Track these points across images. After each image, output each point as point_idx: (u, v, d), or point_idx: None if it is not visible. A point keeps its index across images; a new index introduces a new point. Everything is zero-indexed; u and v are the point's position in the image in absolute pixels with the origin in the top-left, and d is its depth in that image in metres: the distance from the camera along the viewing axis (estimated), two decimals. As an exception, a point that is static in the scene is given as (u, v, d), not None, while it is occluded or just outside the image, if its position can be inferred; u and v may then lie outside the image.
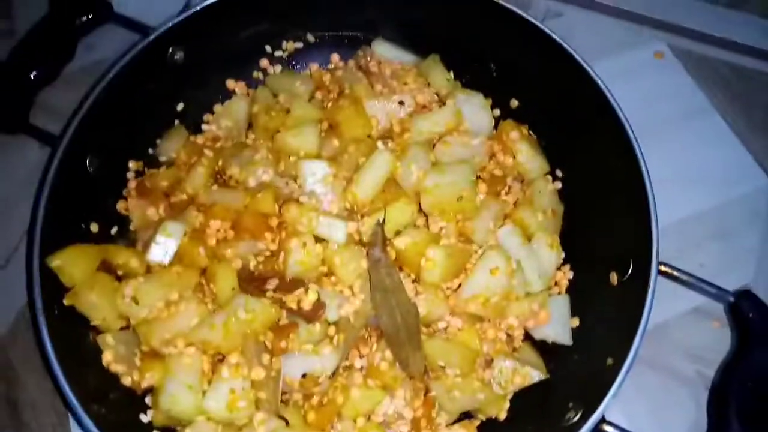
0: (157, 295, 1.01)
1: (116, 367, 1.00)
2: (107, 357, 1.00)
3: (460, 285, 1.04)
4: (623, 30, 1.45)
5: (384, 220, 1.03)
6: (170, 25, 1.16)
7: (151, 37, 1.15)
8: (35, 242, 0.99)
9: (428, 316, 1.02)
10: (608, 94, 1.06)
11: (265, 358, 0.98)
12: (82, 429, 0.89)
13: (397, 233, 1.04)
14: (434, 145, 1.13)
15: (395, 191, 1.07)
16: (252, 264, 1.04)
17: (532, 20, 1.13)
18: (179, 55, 1.21)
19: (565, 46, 1.10)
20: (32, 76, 1.23)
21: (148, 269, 1.06)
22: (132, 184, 1.15)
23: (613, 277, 1.04)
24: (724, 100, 1.37)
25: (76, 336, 1.01)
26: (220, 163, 1.14)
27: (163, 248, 1.05)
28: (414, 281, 1.05)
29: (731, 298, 0.99)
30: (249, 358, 0.97)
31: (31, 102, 1.24)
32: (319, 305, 1.00)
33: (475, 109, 1.16)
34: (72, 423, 1.11)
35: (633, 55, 1.42)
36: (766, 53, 1.41)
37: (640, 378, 1.08)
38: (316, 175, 1.05)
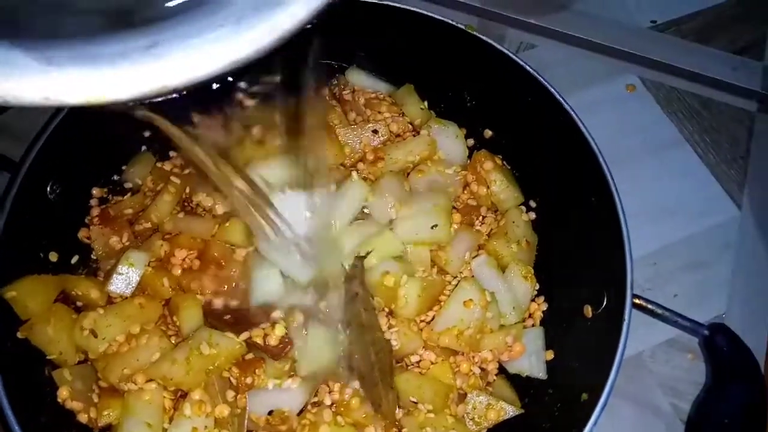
0: (117, 328, 0.97)
1: (72, 404, 0.95)
2: (63, 393, 0.95)
3: (433, 318, 1.01)
4: (595, 63, 1.47)
5: (366, 254, 1.01)
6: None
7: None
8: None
9: (401, 350, 0.99)
10: (582, 126, 1.06)
11: (230, 394, 0.94)
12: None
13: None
14: (408, 174, 1.12)
15: (371, 223, 1.06)
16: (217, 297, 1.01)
17: (507, 52, 1.13)
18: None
19: (539, 77, 1.10)
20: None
21: (109, 300, 1.02)
22: (95, 212, 1.11)
23: (588, 310, 1.02)
24: (695, 133, 1.39)
25: (29, 370, 0.96)
26: (187, 190, 1.11)
27: (125, 279, 1.02)
28: (387, 314, 1.02)
29: (705, 332, 0.98)
30: (213, 394, 0.93)
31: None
32: (286, 341, 0.97)
33: (449, 139, 1.15)
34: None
35: (605, 88, 1.44)
36: (734, 87, 1.43)
37: (614, 410, 1.05)
38: (287, 205, 1.02)
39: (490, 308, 1.00)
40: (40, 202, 1.05)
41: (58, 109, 1.06)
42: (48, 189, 1.06)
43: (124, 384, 0.94)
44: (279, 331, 0.96)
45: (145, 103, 0.46)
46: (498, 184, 1.12)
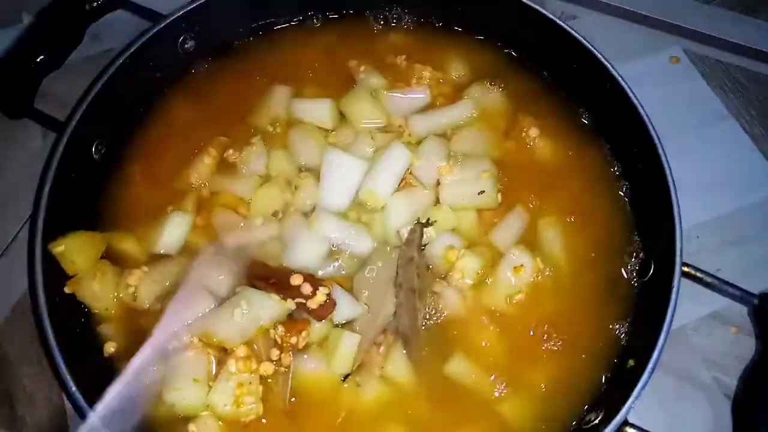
0: (161, 285, 0.98)
1: (119, 359, 0.96)
2: (109, 348, 0.96)
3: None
4: (639, 34, 1.44)
5: (428, 221, 1.01)
6: (182, 12, 1.14)
7: (163, 24, 1.13)
8: (38, 228, 0.95)
9: (450, 316, 0.98)
10: (631, 94, 1.05)
11: (274, 353, 0.94)
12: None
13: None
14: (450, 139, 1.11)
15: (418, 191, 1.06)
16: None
17: (553, 17, 1.11)
18: (190, 44, 1.19)
19: (588, 44, 1.09)
20: (38, 61, 1.19)
21: (152, 258, 1.03)
22: (137, 169, 1.12)
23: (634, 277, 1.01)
24: (740, 106, 1.36)
25: (76, 326, 0.97)
26: (230, 151, 1.11)
27: (169, 237, 1.02)
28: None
29: (755, 301, 0.96)
30: (257, 352, 0.94)
31: (37, 87, 1.20)
32: (329, 303, 0.97)
33: (492, 103, 1.14)
34: (68, 416, 1.06)
35: (649, 60, 1.41)
36: (781, 60, 1.40)
37: (656, 383, 1.03)
38: (338, 165, 1.02)
39: (543, 273, 1.00)
40: (85, 160, 1.06)
41: (104, 70, 1.07)
42: (93, 149, 1.08)
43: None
44: (320, 297, 0.95)
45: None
46: (543, 150, 1.10)
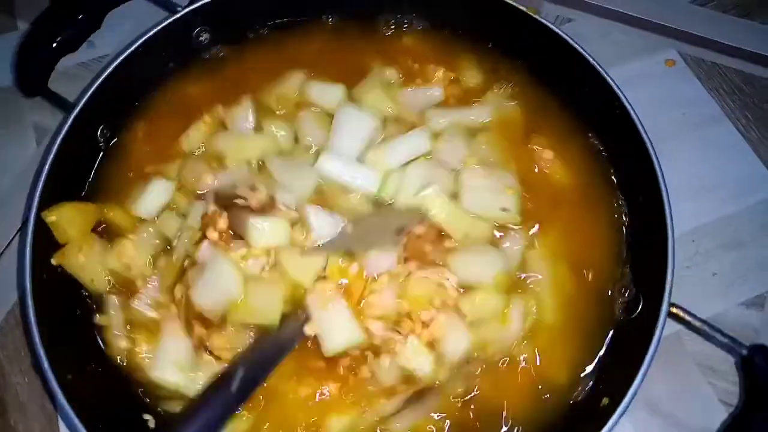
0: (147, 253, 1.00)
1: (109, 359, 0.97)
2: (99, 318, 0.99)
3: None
4: (634, 37, 1.43)
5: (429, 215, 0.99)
6: (198, 6, 1.14)
7: (179, 15, 1.13)
8: (35, 200, 0.96)
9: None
10: (624, 100, 1.03)
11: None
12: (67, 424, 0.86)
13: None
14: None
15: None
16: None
17: (546, 23, 1.11)
18: (205, 37, 1.19)
19: (580, 49, 1.08)
20: (57, 42, 1.18)
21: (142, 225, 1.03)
22: (140, 126, 1.14)
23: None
24: (736, 109, 1.35)
25: (71, 328, 0.97)
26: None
27: (151, 202, 1.03)
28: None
29: (744, 352, 0.91)
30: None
31: (53, 66, 1.20)
32: (271, 200, 0.96)
33: (508, 116, 1.13)
34: (61, 426, 1.06)
35: (643, 63, 1.40)
36: (777, 62, 1.39)
37: (650, 388, 1.04)
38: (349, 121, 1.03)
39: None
40: (90, 143, 1.09)
41: (117, 55, 1.08)
42: (98, 133, 1.09)
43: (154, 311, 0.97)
44: (261, 195, 0.96)
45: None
46: (555, 172, 1.10)
